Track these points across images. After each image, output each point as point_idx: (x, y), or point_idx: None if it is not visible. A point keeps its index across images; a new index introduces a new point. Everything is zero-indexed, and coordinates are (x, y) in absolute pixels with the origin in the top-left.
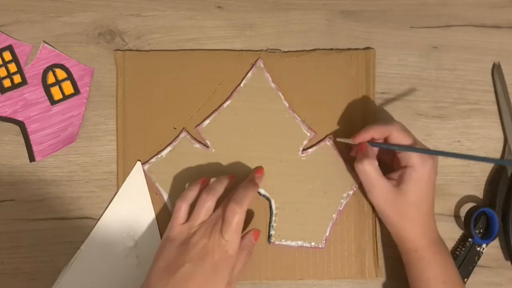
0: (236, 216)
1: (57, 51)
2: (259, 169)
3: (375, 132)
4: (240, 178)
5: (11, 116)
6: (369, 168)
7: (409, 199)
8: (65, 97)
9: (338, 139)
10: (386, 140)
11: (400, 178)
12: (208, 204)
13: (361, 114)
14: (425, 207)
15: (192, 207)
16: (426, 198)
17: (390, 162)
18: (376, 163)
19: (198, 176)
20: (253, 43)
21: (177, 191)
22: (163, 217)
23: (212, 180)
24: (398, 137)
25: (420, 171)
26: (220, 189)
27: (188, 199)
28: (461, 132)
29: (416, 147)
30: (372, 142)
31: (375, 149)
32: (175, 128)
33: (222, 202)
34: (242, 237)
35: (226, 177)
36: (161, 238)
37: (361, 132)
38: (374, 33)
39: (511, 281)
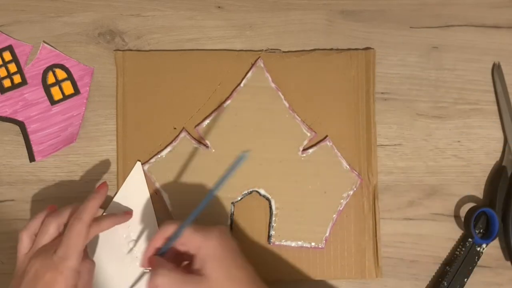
0: (74, 230)
1: (57, 51)
2: (101, 185)
3: (156, 241)
4: (239, 178)
5: (11, 116)
6: (165, 279)
7: (217, 278)
8: (65, 97)
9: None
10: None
11: (199, 263)
12: (49, 228)
13: (361, 114)
14: (240, 277)
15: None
16: (235, 269)
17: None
18: (170, 266)
19: (198, 176)
20: (253, 43)
21: (177, 191)
22: (163, 217)
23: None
24: (171, 229)
25: (208, 247)
26: (64, 213)
27: (29, 228)
28: (461, 132)
29: (181, 222)
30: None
31: (170, 253)
32: (175, 128)
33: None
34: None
35: (72, 205)
36: None
37: (143, 255)
38: (374, 33)
39: (511, 281)
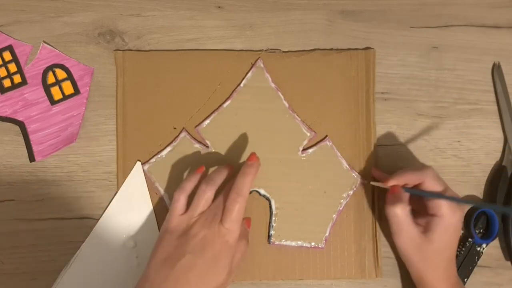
0: (237, 205)
1: (57, 51)
2: (251, 156)
3: (409, 178)
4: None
5: (11, 116)
6: (401, 213)
7: (435, 246)
8: (65, 97)
9: (372, 183)
10: (418, 186)
11: (427, 225)
12: (207, 194)
13: (361, 114)
14: (449, 253)
15: (191, 198)
16: (450, 246)
17: (417, 208)
18: (409, 208)
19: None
20: (253, 43)
21: None
22: (163, 217)
23: (211, 170)
24: (431, 185)
25: (448, 222)
26: (219, 179)
27: (186, 190)
28: (461, 132)
29: (449, 196)
30: (404, 187)
31: (407, 195)
32: (175, 128)
33: (221, 192)
34: None
35: (224, 167)
36: None
37: (394, 176)
38: (374, 33)
39: (511, 281)
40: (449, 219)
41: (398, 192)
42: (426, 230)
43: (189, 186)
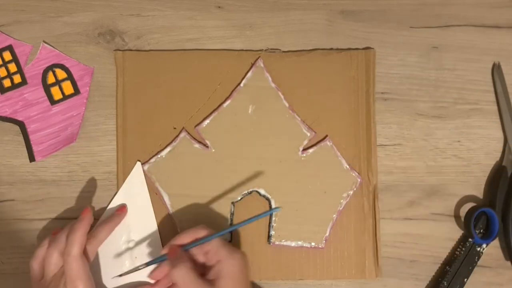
0: (71, 266)
1: (57, 51)
2: (84, 211)
3: (183, 239)
4: (239, 178)
5: (11, 116)
6: (185, 271)
7: None
8: (65, 97)
9: (149, 263)
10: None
11: (213, 276)
12: (53, 257)
13: (361, 114)
14: None
15: None
16: None
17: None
18: (189, 264)
19: (198, 176)
20: (253, 43)
21: (177, 191)
22: (163, 217)
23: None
24: (203, 234)
25: (229, 263)
26: (62, 239)
27: (37, 257)
28: (461, 132)
29: (220, 232)
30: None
31: (189, 254)
32: (175, 128)
33: None
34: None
35: (69, 225)
36: (160, 238)
37: (169, 243)
38: (374, 33)
39: (511, 281)
40: (229, 260)
41: (176, 253)
42: (213, 282)
43: (39, 252)
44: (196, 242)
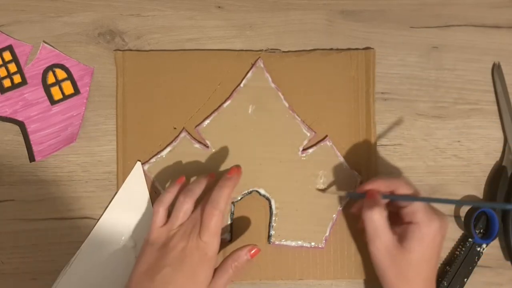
0: (213, 218)
1: (57, 51)
2: (231, 169)
3: (382, 184)
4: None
5: (11, 116)
6: (379, 217)
7: (410, 258)
8: (65, 97)
9: (349, 194)
10: (391, 193)
11: (403, 234)
12: (185, 206)
13: (361, 114)
14: (426, 271)
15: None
16: (428, 262)
17: (392, 220)
18: (386, 213)
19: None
20: (253, 43)
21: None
22: None
23: (193, 179)
24: (404, 191)
25: (425, 230)
26: (197, 190)
27: (165, 202)
28: (461, 132)
29: (424, 197)
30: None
31: (384, 201)
32: (175, 128)
33: (201, 203)
34: (238, 249)
35: (204, 176)
36: None
37: (369, 182)
38: (374, 33)
39: (511, 281)
40: (425, 227)
41: (376, 197)
42: (401, 239)
43: (168, 198)
44: (397, 197)
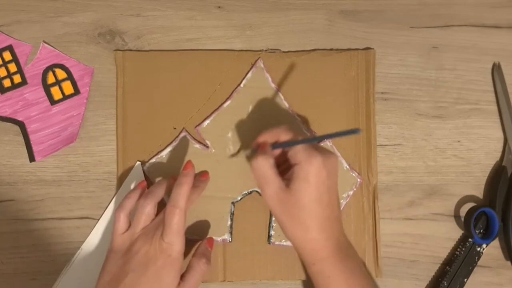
0: (175, 218)
1: (57, 51)
2: (186, 164)
3: (267, 136)
4: (239, 178)
5: (11, 116)
6: (263, 164)
7: (298, 199)
8: (65, 97)
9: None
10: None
11: (289, 178)
12: (147, 208)
13: (361, 114)
14: (318, 210)
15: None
16: (319, 201)
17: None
18: (272, 160)
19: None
20: (253, 43)
21: None
22: None
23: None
24: (285, 138)
25: (306, 167)
26: (158, 192)
27: (126, 207)
28: (461, 132)
29: (303, 139)
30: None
31: (275, 153)
32: (175, 128)
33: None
34: (198, 246)
35: (166, 179)
36: None
37: (258, 137)
38: (374, 33)
39: (511, 281)
40: (306, 164)
41: (265, 147)
42: (288, 182)
43: (128, 203)
44: (281, 144)
